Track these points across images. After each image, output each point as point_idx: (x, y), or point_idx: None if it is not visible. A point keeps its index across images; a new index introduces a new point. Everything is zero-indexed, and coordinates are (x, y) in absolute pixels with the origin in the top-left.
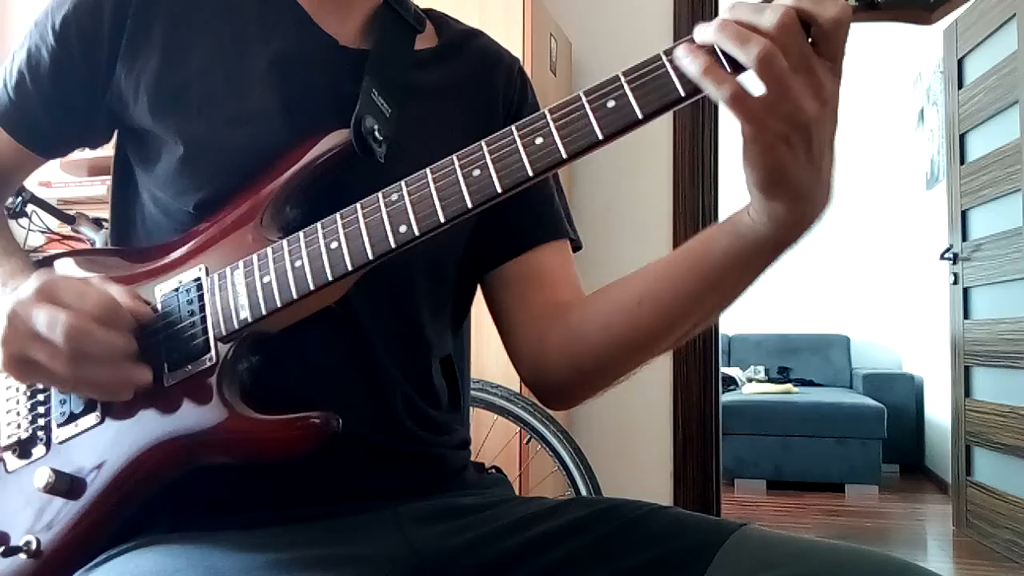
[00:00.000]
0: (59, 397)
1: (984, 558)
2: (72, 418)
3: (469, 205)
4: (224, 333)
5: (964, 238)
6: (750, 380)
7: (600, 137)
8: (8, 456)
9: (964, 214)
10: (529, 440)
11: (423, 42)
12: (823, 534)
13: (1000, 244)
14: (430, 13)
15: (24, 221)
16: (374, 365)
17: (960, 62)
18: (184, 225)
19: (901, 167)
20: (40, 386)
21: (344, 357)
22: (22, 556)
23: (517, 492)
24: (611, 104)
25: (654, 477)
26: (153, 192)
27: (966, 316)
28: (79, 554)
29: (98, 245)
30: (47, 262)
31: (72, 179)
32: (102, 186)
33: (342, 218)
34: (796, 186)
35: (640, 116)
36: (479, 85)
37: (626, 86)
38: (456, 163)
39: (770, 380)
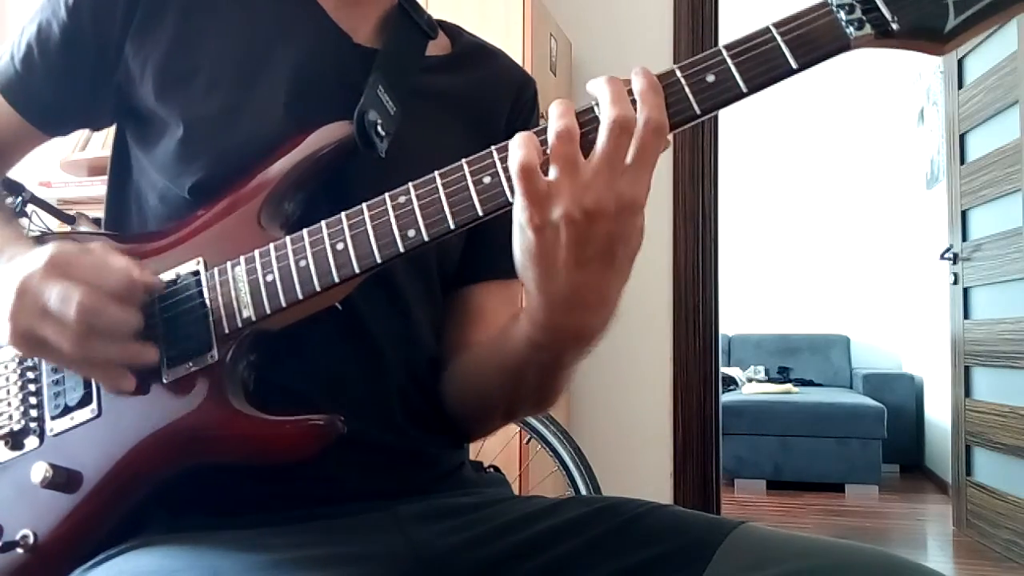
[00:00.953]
0: (53, 389)
1: (984, 558)
2: (67, 411)
3: (480, 213)
4: (226, 331)
5: (964, 238)
6: (750, 380)
7: None
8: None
9: (964, 214)
10: (529, 440)
11: (435, 49)
12: (823, 534)
13: (1000, 244)
14: (445, 25)
15: (24, 221)
16: (373, 362)
17: (960, 62)
18: (180, 212)
19: (901, 167)
20: (32, 376)
21: (344, 354)
22: (19, 551)
23: (517, 492)
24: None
25: (654, 477)
26: (150, 176)
27: (966, 316)
28: (76, 549)
29: None
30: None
31: (72, 179)
32: (102, 186)
33: (348, 219)
34: (548, 285)
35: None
36: (486, 100)
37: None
38: (466, 168)
39: (770, 380)
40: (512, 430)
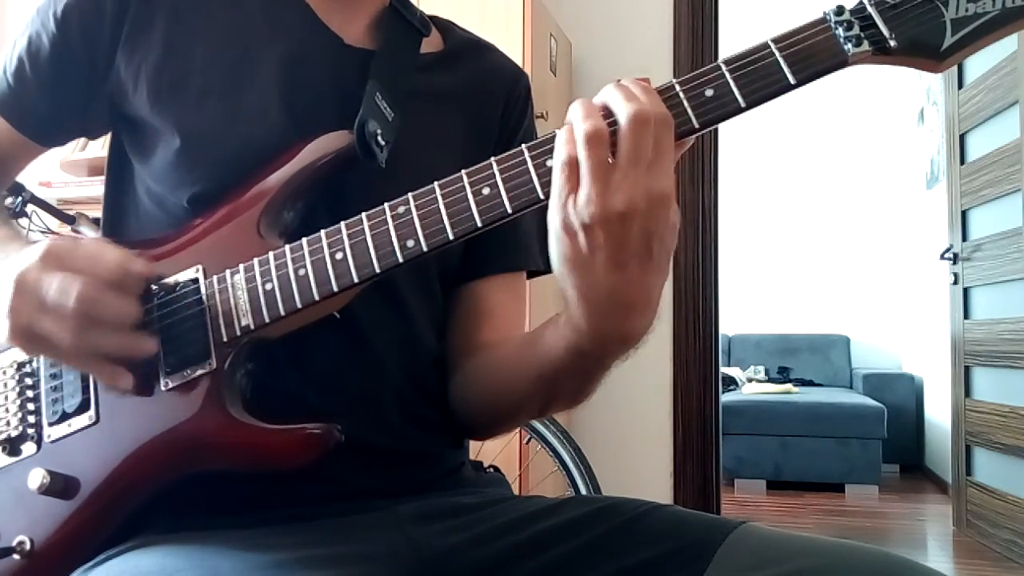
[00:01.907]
0: (51, 396)
1: (984, 558)
2: (64, 417)
3: (479, 224)
4: (225, 339)
5: (964, 238)
6: (750, 380)
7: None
8: None
9: (964, 214)
10: (529, 440)
11: (428, 47)
12: (823, 534)
13: (1000, 244)
14: (436, 20)
15: (24, 221)
16: (371, 366)
17: (960, 62)
18: (179, 220)
19: (901, 167)
20: (30, 383)
21: (342, 359)
22: (15, 557)
23: (517, 492)
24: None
25: (654, 477)
26: (148, 185)
27: (966, 316)
28: (73, 555)
29: None
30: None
31: (72, 179)
32: (102, 186)
33: (347, 228)
34: (590, 290)
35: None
36: (481, 95)
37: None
38: (465, 179)
39: (770, 380)
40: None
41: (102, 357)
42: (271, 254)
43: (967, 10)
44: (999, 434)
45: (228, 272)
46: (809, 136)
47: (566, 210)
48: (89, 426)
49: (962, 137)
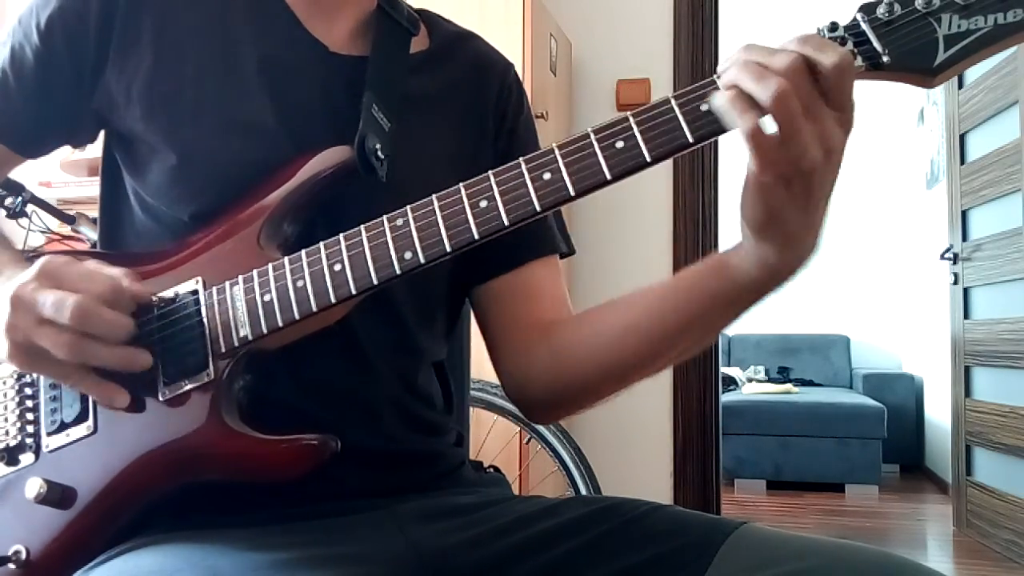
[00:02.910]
0: (50, 406)
1: (984, 558)
2: (63, 427)
3: (476, 236)
4: (223, 350)
5: (964, 238)
6: (750, 380)
7: (608, 177)
8: None
9: (964, 214)
10: (529, 440)
11: (416, 45)
12: (823, 534)
13: (1000, 244)
14: (422, 13)
15: (24, 221)
16: (368, 373)
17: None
18: (177, 233)
19: (901, 167)
20: (29, 392)
21: (338, 366)
22: (11, 566)
23: (517, 492)
24: (620, 144)
25: (654, 477)
26: (143, 199)
27: (966, 316)
28: (69, 565)
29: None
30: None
31: (72, 179)
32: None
33: (346, 240)
34: (788, 231)
35: (648, 159)
36: (471, 90)
37: (635, 127)
38: (463, 192)
39: (770, 380)
40: (512, 430)
41: (99, 374)
42: (270, 266)
43: (960, 26)
44: (999, 434)
45: (227, 284)
46: None
47: (779, 157)
48: (87, 436)
49: (962, 137)
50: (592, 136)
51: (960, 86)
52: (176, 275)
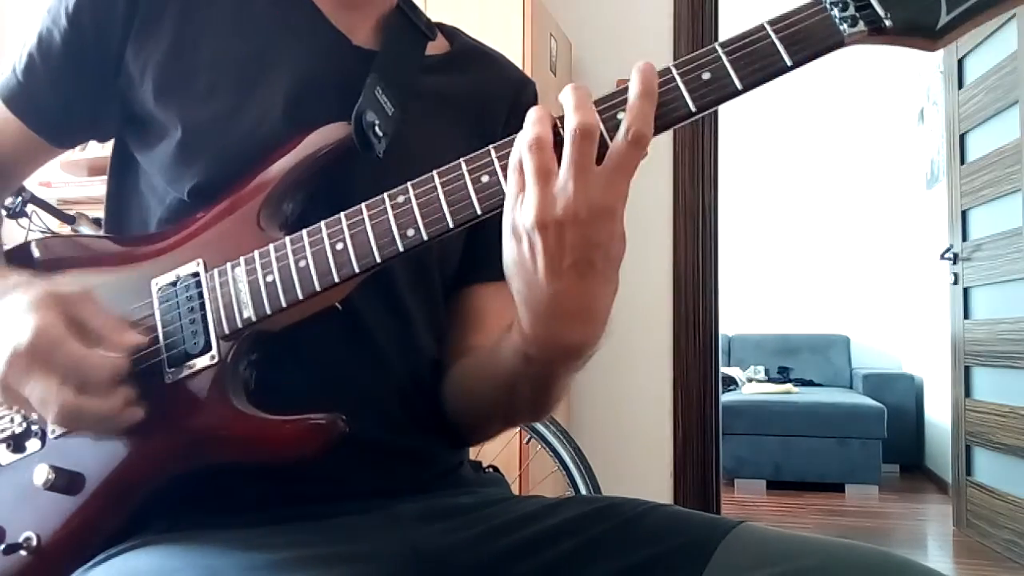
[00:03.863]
0: None
1: (984, 558)
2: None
3: (479, 211)
4: (226, 331)
5: (964, 238)
6: (750, 380)
7: (608, 140)
8: (1, 450)
9: (964, 214)
10: (529, 440)
11: (433, 50)
12: (823, 534)
13: (1000, 244)
14: (442, 26)
15: (24, 221)
16: (373, 361)
17: (960, 62)
18: (179, 214)
19: (901, 167)
20: None
21: (344, 353)
22: (22, 553)
23: (517, 492)
24: (621, 116)
25: (654, 477)
26: (150, 179)
27: (966, 316)
28: (79, 550)
29: None
30: (26, 252)
31: (72, 179)
32: (102, 186)
33: (347, 219)
34: (530, 295)
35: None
36: (485, 101)
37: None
38: (464, 167)
39: (770, 380)
40: (512, 430)
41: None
42: (271, 246)
43: None
44: (999, 434)
45: (229, 265)
46: (809, 136)
47: (514, 212)
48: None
49: (962, 137)
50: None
51: (960, 86)
52: (176, 256)
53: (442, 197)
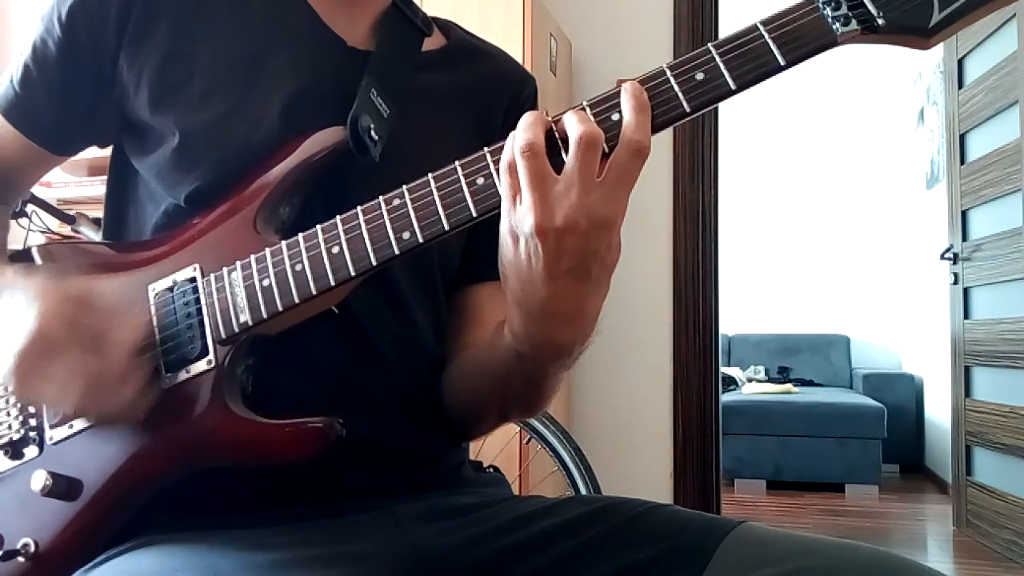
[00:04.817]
0: None
1: (984, 558)
2: (66, 418)
3: (474, 214)
4: (223, 336)
5: (964, 238)
6: (750, 380)
7: (607, 150)
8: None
9: (964, 214)
10: (529, 440)
11: (430, 44)
12: (823, 534)
13: (1000, 244)
14: (439, 21)
15: (24, 221)
16: (372, 364)
17: (960, 62)
18: (176, 220)
19: (901, 167)
20: None
21: (343, 356)
22: (20, 559)
23: (517, 492)
24: (616, 117)
25: (654, 477)
26: (147, 185)
27: (966, 316)
28: (78, 556)
29: None
30: (27, 257)
31: (72, 179)
32: (102, 186)
33: (343, 223)
34: (524, 295)
35: (607, 150)
36: (484, 96)
37: (588, 109)
38: (460, 171)
39: (770, 380)
40: (512, 430)
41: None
42: (268, 250)
43: None
44: (999, 434)
45: (226, 270)
46: (809, 136)
47: (512, 216)
48: (90, 427)
49: (962, 137)
50: (587, 109)
51: (960, 86)
52: (173, 262)
53: (437, 200)
